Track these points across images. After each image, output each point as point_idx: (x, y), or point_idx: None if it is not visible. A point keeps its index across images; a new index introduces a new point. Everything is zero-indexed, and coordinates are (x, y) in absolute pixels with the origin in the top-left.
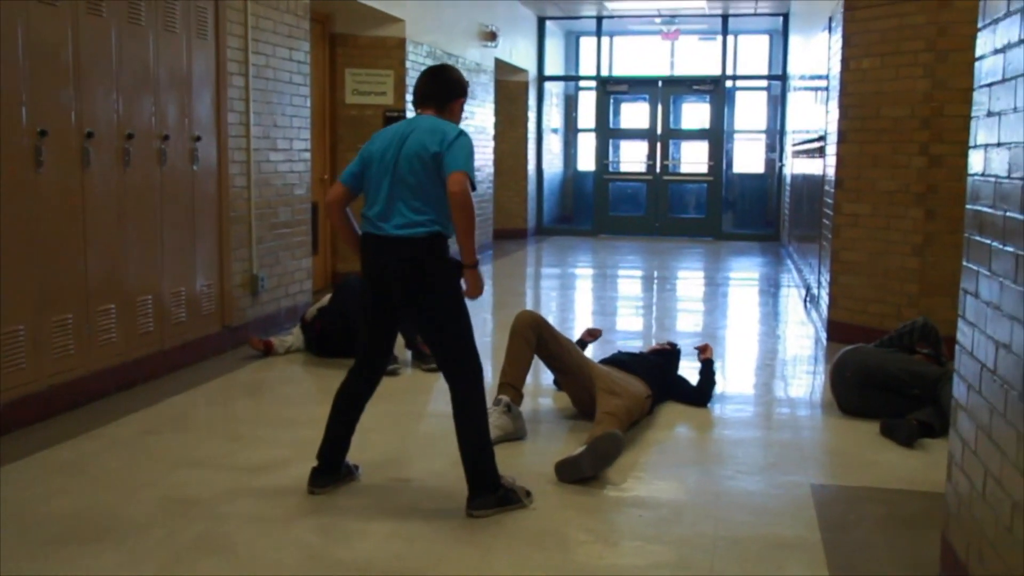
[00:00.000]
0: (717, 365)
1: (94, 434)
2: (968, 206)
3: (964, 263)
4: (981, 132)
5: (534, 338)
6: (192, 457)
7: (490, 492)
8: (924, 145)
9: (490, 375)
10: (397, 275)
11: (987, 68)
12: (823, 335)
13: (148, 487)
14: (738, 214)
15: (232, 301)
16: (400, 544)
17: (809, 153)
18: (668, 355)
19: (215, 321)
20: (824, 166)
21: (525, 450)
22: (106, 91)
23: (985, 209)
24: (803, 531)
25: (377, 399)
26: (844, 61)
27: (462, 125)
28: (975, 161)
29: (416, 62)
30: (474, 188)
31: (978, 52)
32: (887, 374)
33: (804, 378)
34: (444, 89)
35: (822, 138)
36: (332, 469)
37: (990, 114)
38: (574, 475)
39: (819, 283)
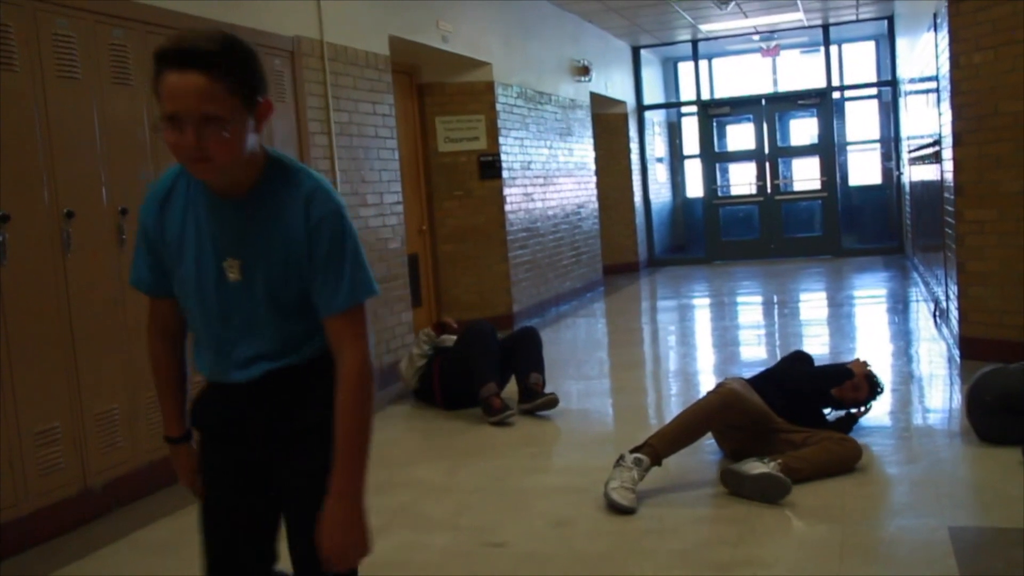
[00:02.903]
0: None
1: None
2: None
3: None
4: None
5: (720, 425)
6: None
7: None
8: None
9: (608, 406)
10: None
11: None
12: (955, 353)
13: None
14: (858, 228)
15: None
16: None
17: (925, 159)
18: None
19: None
20: (941, 171)
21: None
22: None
23: None
24: None
25: (475, 455)
26: (953, 58)
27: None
28: None
29: (507, 104)
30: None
31: None
32: None
33: (937, 403)
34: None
35: (936, 142)
36: None
37: None
38: (734, 487)
39: (947, 296)
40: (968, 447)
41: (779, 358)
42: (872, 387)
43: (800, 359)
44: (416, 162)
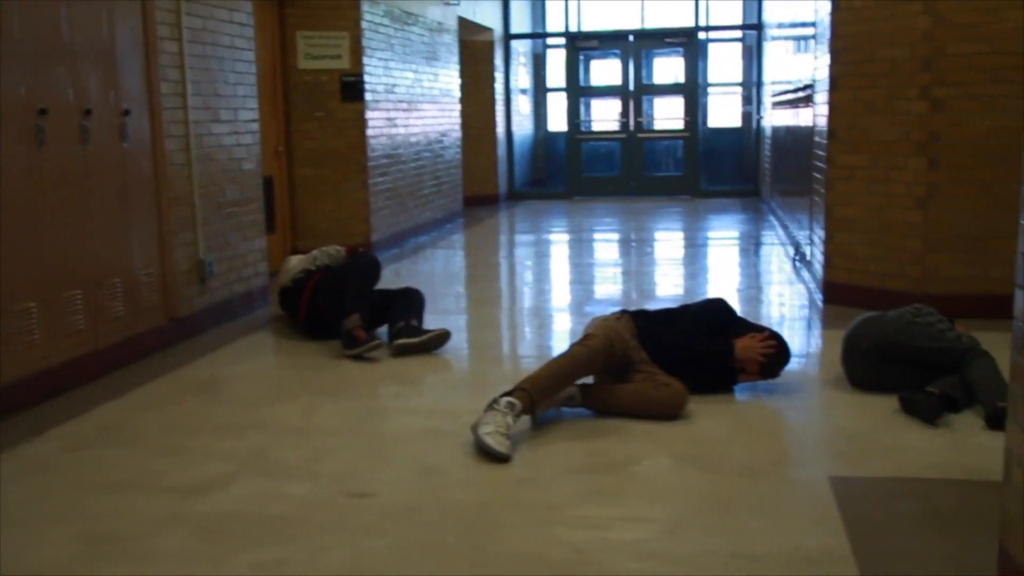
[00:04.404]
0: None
1: (6, 456)
2: None
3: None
4: None
5: (597, 370)
6: (120, 478)
7: None
8: (925, 88)
9: (464, 343)
10: None
11: None
12: (818, 297)
13: (62, 521)
14: (715, 170)
15: (177, 290)
16: None
17: (793, 104)
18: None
19: (158, 313)
20: (814, 116)
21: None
22: (8, 62)
23: None
24: (829, 539)
25: (334, 395)
26: (834, 1)
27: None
28: None
29: (373, 22)
30: None
31: None
32: (910, 348)
33: (803, 347)
34: None
35: (809, 86)
36: None
37: None
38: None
39: (811, 241)
40: (841, 394)
41: (634, 297)
42: (765, 369)
43: (716, 310)
44: (274, 79)
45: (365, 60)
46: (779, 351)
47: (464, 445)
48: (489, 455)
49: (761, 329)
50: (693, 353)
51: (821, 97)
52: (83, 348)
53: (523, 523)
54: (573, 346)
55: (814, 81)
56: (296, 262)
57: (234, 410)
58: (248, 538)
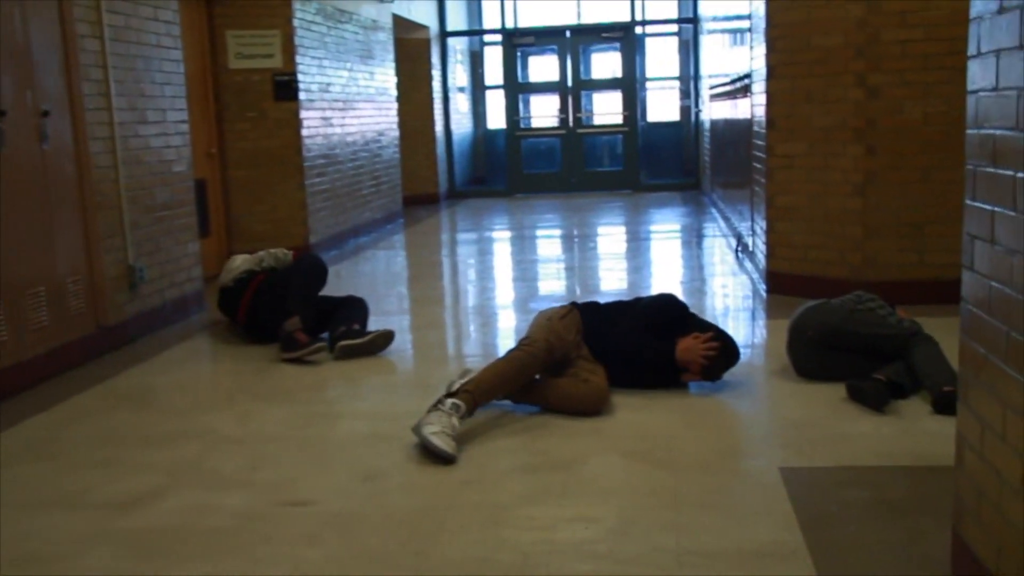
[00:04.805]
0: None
1: None
2: (971, 131)
3: (969, 202)
4: (987, 36)
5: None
6: (45, 496)
7: None
8: (860, 76)
9: (408, 344)
10: None
11: None
12: (761, 287)
13: None
14: (655, 164)
15: (106, 297)
16: None
17: (731, 95)
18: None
19: (87, 321)
20: (752, 106)
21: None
22: None
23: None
24: (781, 532)
25: (272, 400)
26: None
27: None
28: (978, 74)
29: (305, 20)
30: None
31: None
32: (855, 335)
33: (748, 337)
34: None
35: (747, 76)
36: None
37: (1002, 10)
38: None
39: (753, 232)
40: (788, 383)
41: (578, 292)
42: (706, 371)
43: (664, 309)
44: (204, 79)
45: (298, 59)
46: (721, 353)
47: (406, 448)
48: (434, 455)
49: (707, 328)
50: (634, 356)
51: (759, 87)
52: (6, 360)
53: (467, 526)
54: (515, 349)
55: (751, 71)
56: (240, 262)
57: (166, 419)
58: (179, 554)
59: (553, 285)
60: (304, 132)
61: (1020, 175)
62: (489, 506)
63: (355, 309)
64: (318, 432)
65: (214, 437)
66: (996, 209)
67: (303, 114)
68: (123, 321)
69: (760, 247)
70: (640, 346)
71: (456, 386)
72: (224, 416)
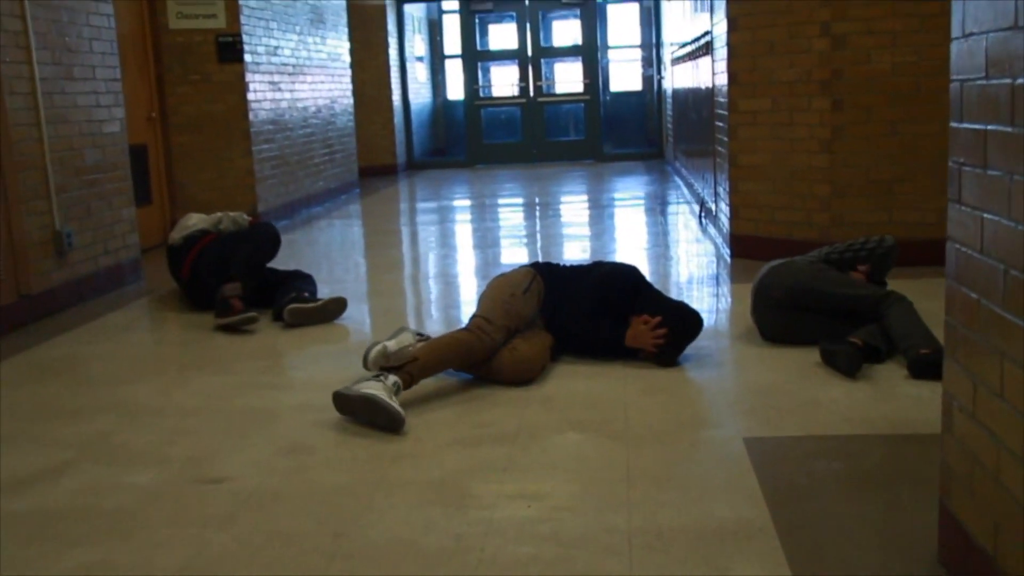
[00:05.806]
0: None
1: None
2: (957, 40)
3: (955, 125)
4: None
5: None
6: None
7: None
8: (825, 25)
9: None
10: None
11: None
12: (725, 251)
13: None
14: (618, 134)
15: (29, 264)
16: None
17: (693, 56)
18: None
19: (7, 290)
20: (713, 62)
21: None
22: None
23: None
24: (746, 509)
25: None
26: None
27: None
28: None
29: None
30: None
31: None
32: (823, 295)
33: (711, 302)
34: None
35: (708, 33)
36: None
37: None
38: (341, 406)
39: (716, 195)
40: (753, 348)
41: (540, 259)
42: (658, 358)
43: (620, 285)
44: (143, 39)
45: (243, 20)
46: (672, 338)
47: (338, 421)
48: (382, 417)
49: (663, 305)
50: (583, 339)
51: (720, 41)
52: None
53: (396, 505)
54: (467, 331)
55: (712, 28)
56: (196, 220)
57: (85, 391)
58: (73, 537)
59: (515, 253)
60: (251, 96)
61: (1020, 81)
62: (422, 483)
63: (305, 282)
64: (244, 403)
65: (132, 409)
66: (989, 128)
67: (249, 77)
68: (49, 289)
69: (724, 210)
70: (588, 330)
71: (391, 347)
72: (146, 387)
